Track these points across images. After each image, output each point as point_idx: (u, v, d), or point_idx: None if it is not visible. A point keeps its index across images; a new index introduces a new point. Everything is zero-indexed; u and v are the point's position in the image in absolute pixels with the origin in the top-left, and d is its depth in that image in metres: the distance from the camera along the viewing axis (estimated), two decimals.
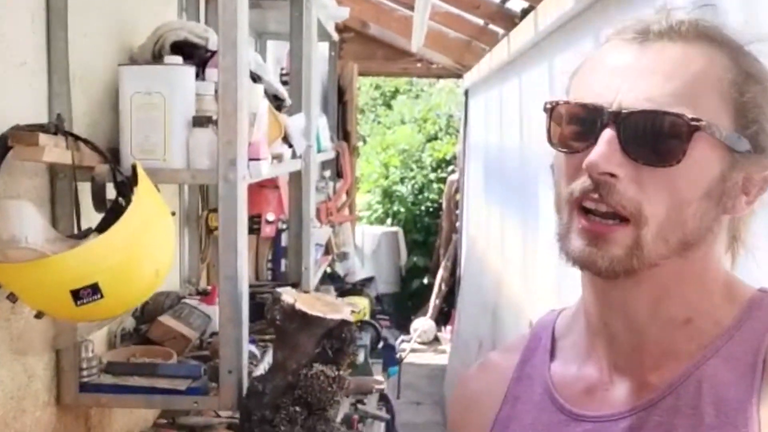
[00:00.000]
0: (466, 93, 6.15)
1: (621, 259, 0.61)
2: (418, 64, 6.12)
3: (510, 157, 4.06)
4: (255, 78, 1.69)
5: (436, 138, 7.83)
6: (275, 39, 3.13)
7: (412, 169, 7.66)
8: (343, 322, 1.34)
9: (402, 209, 7.52)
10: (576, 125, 0.65)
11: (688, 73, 0.61)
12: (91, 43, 1.53)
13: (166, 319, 1.77)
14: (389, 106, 9.18)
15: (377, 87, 9.45)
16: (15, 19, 1.27)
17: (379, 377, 2.27)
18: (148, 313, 1.83)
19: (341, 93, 4.84)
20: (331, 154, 3.16)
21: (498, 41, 4.10)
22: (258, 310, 1.84)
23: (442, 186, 7.22)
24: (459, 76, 6.11)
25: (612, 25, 0.68)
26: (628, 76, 0.62)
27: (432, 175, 7.59)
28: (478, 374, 0.83)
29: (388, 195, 7.64)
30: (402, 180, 7.63)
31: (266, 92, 1.73)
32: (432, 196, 7.53)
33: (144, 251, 1.21)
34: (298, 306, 1.33)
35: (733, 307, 0.65)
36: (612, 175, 0.60)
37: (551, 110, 0.67)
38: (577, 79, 0.68)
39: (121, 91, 1.40)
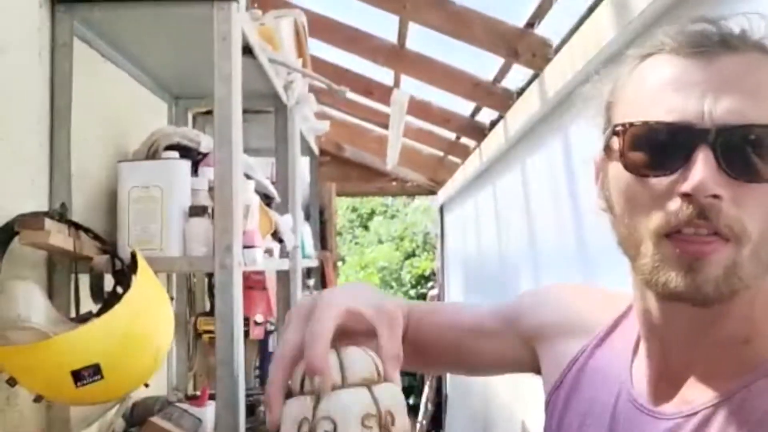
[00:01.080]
0: (441, 209, 6.32)
1: (723, 280, 0.57)
2: (393, 183, 6.31)
3: (489, 261, 4.13)
4: (246, 177, 1.76)
5: (413, 255, 7.94)
6: (257, 155, 3.24)
7: (392, 287, 7.70)
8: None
9: None
10: (661, 147, 0.59)
11: (761, 83, 0.58)
12: (89, 146, 1.61)
13: (157, 420, 1.74)
14: (366, 227, 9.34)
15: (354, 209, 9.66)
16: (21, 120, 1.34)
17: None
18: (137, 415, 1.80)
19: (321, 211, 4.96)
20: (315, 262, 3.20)
21: (470, 153, 4.28)
22: (249, 410, 1.82)
23: None
24: (433, 192, 6.29)
25: (649, 38, 0.65)
26: (708, 90, 0.58)
27: (412, 292, 7.63)
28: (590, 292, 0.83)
29: None
30: None
31: (257, 191, 1.80)
32: None
33: (144, 333, 1.23)
34: None
35: None
36: (716, 197, 0.56)
37: (624, 132, 0.62)
38: (630, 99, 0.63)
39: (120, 186, 1.46)
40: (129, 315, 1.20)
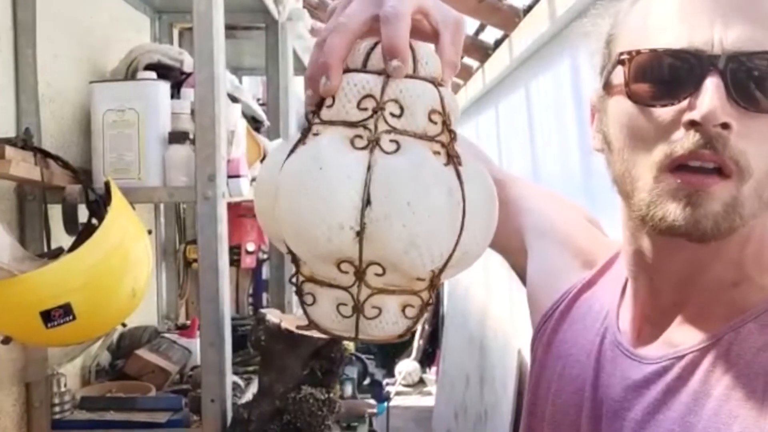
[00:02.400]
0: None
1: (723, 217, 0.55)
2: None
3: None
4: (232, 99, 1.64)
5: None
6: (250, 74, 3.11)
7: None
8: (332, 341, 1.27)
9: None
10: (668, 75, 0.57)
11: None
12: (62, 64, 1.49)
13: (143, 353, 1.69)
14: None
15: None
16: None
17: (372, 401, 2.18)
18: (124, 347, 1.75)
19: None
20: None
21: (473, 74, 4.12)
22: (240, 342, 1.76)
23: None
24: None
25: None
26: (718, 16, 0.55)
27: None
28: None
29: None
30: None
31: (244, 114, 1.69)
32: None
33: (119, 270, 1.15)
34: (284, 325, 1.26)
35: None
36: (725, 126, 0.54)
37: (630, 61, 0.59)
38: (635, 29, 0.60)
39: (93, 108, 1.35)
40: (102, 251, 1.11)
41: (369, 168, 0.47)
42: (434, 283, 0.52)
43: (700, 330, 0.61)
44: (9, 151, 1.09)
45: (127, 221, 1.21)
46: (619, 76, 0.60)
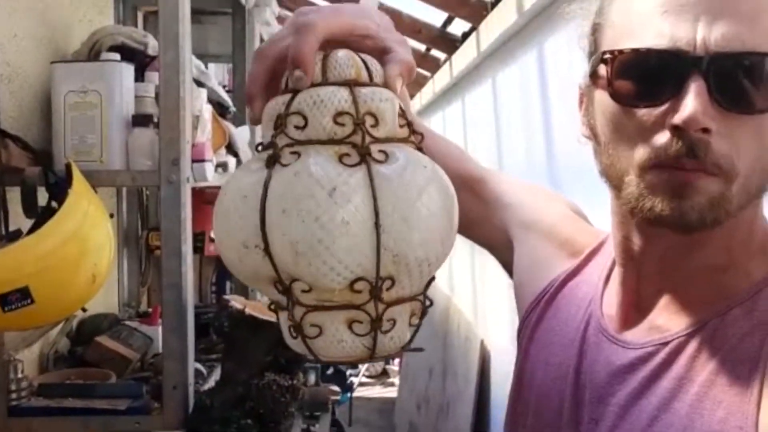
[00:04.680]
0: None
1: (709, 209, 0.55)
2: None
3: None
4: (198, 84, 1.62)
5: None
6: (216, 61, 3.06)
7: None
8: None
9: None
10: (650, 76, 0.56)
11: (760, 5, 0.54)
12: (22, 45, 1.45)
13: (104, 340, 1.66)
14: None
15: None
16: None
17: (335, 388, 2.18)
18: (84, 334, 1.72)
19: None
20: None
21: (440, 66, 4.13)
22: (203, 330, 1.75)
23: None
24: None
25: None
26: (702, 13, 0.54)
27: None
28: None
29: None
30: None
31: (210, 99, 1.67)
32: None
33: (79, 254, 1.12)
34: (248, 311, 1.26)
35: (766, 262, 0.60)
36: (706, 131, 0.53)
37: (613, 60, 0.58)
38: (618, 23, 0.59)
39: (54, 89, 1.32)
40: (61, 234, 1.09)
41: (265, 185, 0.46)
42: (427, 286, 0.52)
43: (686, 315, 0.61)
44: None
45: (89, 204, 1.18)
46: (603, 71, 0.59)
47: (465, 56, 3.37)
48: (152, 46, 1.60)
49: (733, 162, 0.54)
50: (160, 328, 1.78)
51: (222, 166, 1.69)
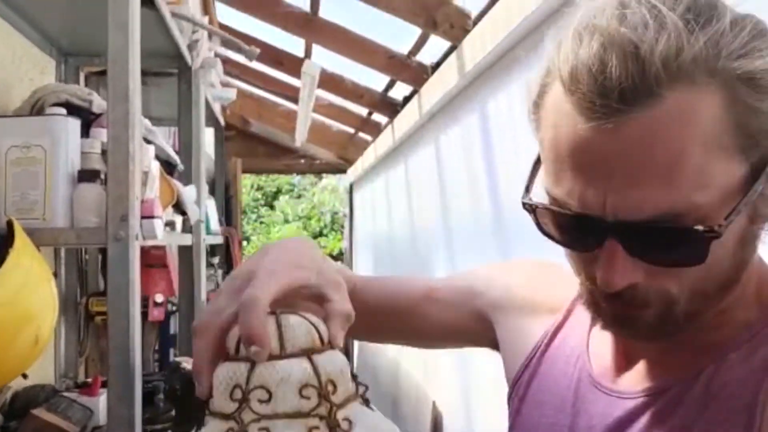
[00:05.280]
0: (351, 187, 6.21)
1: (657, 329, 0.56)
2: (302, 161, 6.15)
3: (400, 240, 4.07)
4: (145, 141, 1.59)
5: (321, 234, 7.82)
6: (158, 125, 3.02)
7: None
8: None
9: None
10: (569, 227, 0.56)
11: (677, 155, 0.49)
12: None
13: (40, 413, 1.55)
14: (272, 207, 9.12)
15: (259, 188, 9.40)
16: None
17: None
18: (18, 407, 1.61)
19: (226, 187, 4.75)
20: (220, 239, 3.03)
21: (382, 130, 4.19)
22: (147, 398, 1.66)
23: None
24: (342, 171, 6.18)
25: (551, 57, 0.55)
26: (607, 176, 0.51)
27: None
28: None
29: None
30: None
31: (157, 157, 1.63)
32: None
33: (21, 315, 1.06)
34: None
35: (761, 306, 0.59)
36: (631, 284, 0.54)
37: (533, 211, 0.58)
38: (543, 141, 0.57)
39: None
40: (2, 294, 1.02)
41: None
42: None
43: (681, 362, 0.59)
44: None
45: (32, 262, 1.12)
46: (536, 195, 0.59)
47: (407, 119, 3.44)
48: (97, 103, 1.57)
49: (668, 294, 0.54)
50: (100, 399, 1.69)
51: (170, 224, 1.64)
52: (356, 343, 5.88)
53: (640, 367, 0.63)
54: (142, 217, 1.32)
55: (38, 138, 1.25)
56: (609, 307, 0.57)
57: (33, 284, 1.10)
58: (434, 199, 3.13)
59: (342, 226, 7.36)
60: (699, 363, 0.58)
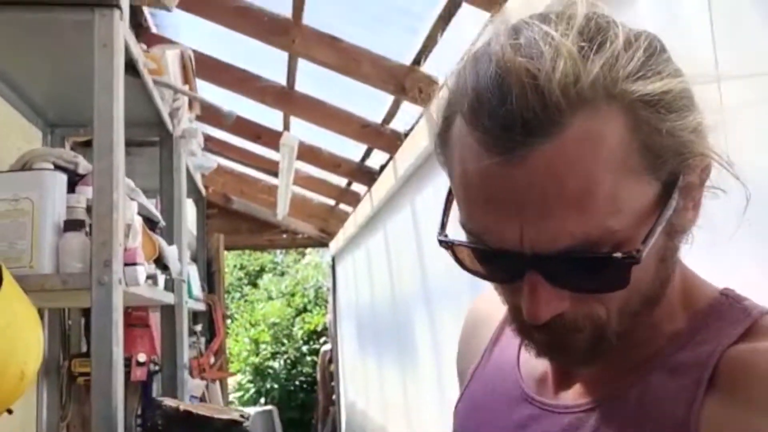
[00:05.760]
0: (333, 261, 6.27)
1: (589, 353, 0.56)
2: (284, 236, 6.22)
3: (382, 309, 4.11)
4: (129, 198, 1.66)
5: (305, 310, 7.81)
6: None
7: (283, 344, 7.50)
8: (233, 422, 1.25)
9: (275, 386, 7.24)
10: (489, 263, 0.55)
11: (586, 182, 0.49)
12: None
13: None
14: (255, 285, 9.12)
15: (242, 267, 9.42)
16: None
17: None
18: None
19: (209, 264, 4.79)
20: (202, 306, 3.06)
21: (361, 199, 4.30)
22: None
23: (315, 358, 7.09)
24: (324, 244, 6.25)
25: (455, 92, 0.54)
26: (520, 210, 0.50)
27: (304, 348, 7.47)
28: (489, 297, 0.74)
29: (259, 372, 7.37)
30: (274, 355, 7.43)
31: (139, 214, 1.70)
32: (306, 369, 7.36)
33: (8, 350, 1.10)
34: (183, 407, 1.24)
35: (688, 316, 0.58)
36: (558, 314, 0.53)
37: (451, 248, 0.57)
38: (452, 178, 0.56)
39: None
40: None
41: None
42: None
43: (612, 377, 0.59)
44: None
45: (19, 305, 1.18)
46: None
47: (384, 185, 3.54)
48: (83, 165, 1.65)
49: (596, 317, 0.54)
50: None
51: (151, 277, 1.70)
52: (344, 411, 5.81)
53: (573, 381, 0.63)
54: (125, 264, 1.38)
55: (27, 191, 1.33)
56: (540, 335, 0.56)
57: (20, 324, 1.15)
58: (413, 262, 3.20)
59: (325, 301, 7.37)
60: (630, 377, 0.58)
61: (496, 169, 0.50)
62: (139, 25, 2.96)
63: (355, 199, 4.48)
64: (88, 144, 2.20)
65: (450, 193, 0.59)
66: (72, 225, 1.34)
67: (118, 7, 1.38)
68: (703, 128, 0.53)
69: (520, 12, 0.55)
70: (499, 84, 0.49)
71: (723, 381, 0.53)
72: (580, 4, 0.52)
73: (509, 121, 0.48)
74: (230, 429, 1.25)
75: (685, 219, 0.55)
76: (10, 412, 1.11)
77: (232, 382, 7.14)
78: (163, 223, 1.88)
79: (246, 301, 8.96)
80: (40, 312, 1.93)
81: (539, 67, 0.48)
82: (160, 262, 1.76)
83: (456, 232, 0.58)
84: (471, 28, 2.05)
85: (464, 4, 1.93)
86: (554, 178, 0.48)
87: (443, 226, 0.59)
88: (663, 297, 0.57)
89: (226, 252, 6.00)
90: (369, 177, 3.91)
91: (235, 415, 1.28)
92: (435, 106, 0.58)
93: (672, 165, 0.52)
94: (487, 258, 0.55)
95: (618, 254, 0.50)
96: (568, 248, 0.50)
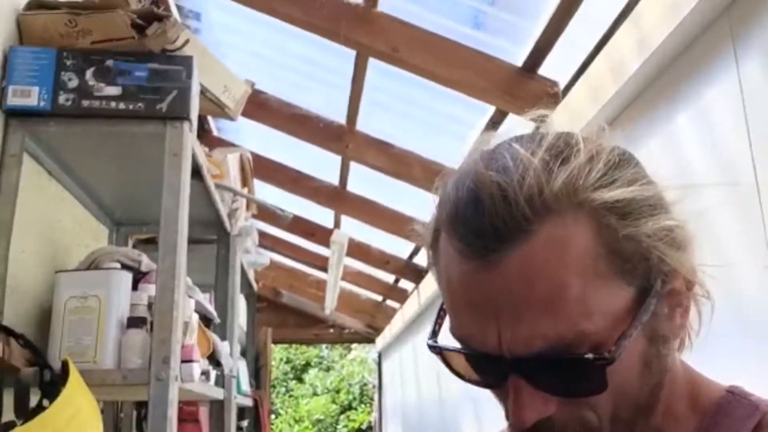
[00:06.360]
0: (380, 357, 6.24)
1: None
2: (331, 330, 6.25)
3: (429, 407, 4.05)
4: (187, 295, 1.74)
5: (350, 408, 7.69)
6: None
7: None
8: None
9: None
10: (475, 367, 0.57)
11: (556, 286, 0.51)
12: (26, 259, 1.58)
13: None
14: (301, 380, 9.06)
15: (288, 361, 9.41)
16: None
17: None
18: None
19: (256, 357, 4.83)
20: (249, 401, 3.08)
21: (408, 296, 4.33)
22: None
23: None
24: (371, 340, 6.24)
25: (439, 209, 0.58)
26: (499, 313, 0.52)
27: None
28: None
29: None
30: None
31: (196, 311, 1.78)
32: None
33: None
34: None
35: (697, 417, 0.59)
36: (545, 417, 0.54)
37: (438, 352, 0.59)
38: (440, 284, 0.59)
39: (57, 295, 1.42)
40: (55, 425, 1.13)
41: None
42: None
43: None
44: None
45: (83, 398, 1.23)
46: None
47: (432, 283, 3.57)
48: (145, 263, 1.74)
49: (587, 421, 0.55)
50: None
51: (205, 374, 1.74)
52: None
53: None
54: (182, 361, 1.44)
55: (95, 289, 1.41)
56: None
57: (83, 419, 1.20)
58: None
59: (371, 399, 7.27)
60: None
61: (474, 274, 0.53)
62: (202, 128, 3.15)
63: (402, 296, 4.51)
64: (149, 241, 2.31)
65: (442, 304, 0.61)
66: (134, 322, 1.41)
67: (189, 119, 1.50)
68: (680, 237, 0.55)
69: (563, 126, 0.60)
70: (474, 197, 0.53)
71: None
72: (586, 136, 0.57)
73: (482, 229, 0.52)
74: None
75: (672, 325, 0.56)
76: None
77: None
78: (218, 320, 1.95)
79: (291, 396, 8.89)
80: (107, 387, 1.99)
81: (508, 180, 0.52)
82: (213, 358, 1.82)
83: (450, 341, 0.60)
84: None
85: (510, 114, 2.02)
86: (525, 282, 0.51)
87: (434, 333, 0.61)
88: (656, 404, 0.57)
89: (272, 345, 6.06)
90: (417, 274, 3.95)
91: None
92: (426, 222, 0.62)
93: (642, 270, 0.53)
94: (474, 363, 0.57)
95: (590, 355, 0.51)
96: (542, 351, 0.51)
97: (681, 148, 1.40)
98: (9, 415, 1.28)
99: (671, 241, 0.54)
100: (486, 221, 0.52)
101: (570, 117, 1.73)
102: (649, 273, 0.54)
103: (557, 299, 0.51)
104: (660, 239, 0.54)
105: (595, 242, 0.52)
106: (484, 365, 0.55)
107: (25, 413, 1.27)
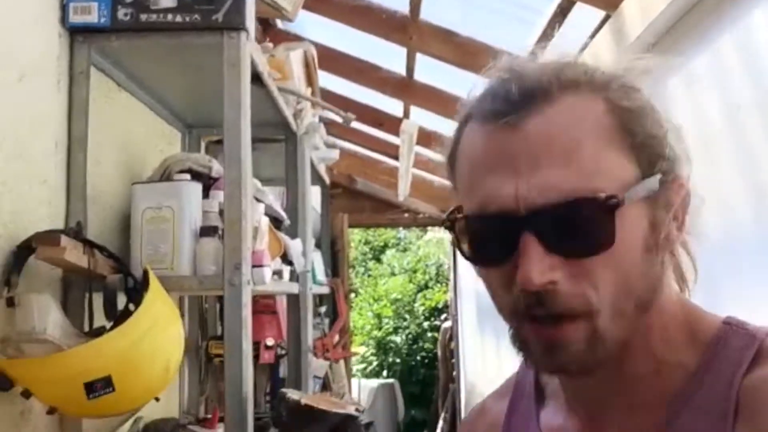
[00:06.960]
0: None
1: (587, 353, 0.57)
2: (405, 215, 6.34)
3: None
4: (256, 199, 1.80)
5: (427, 287, 7.94)
6: (268, 184, 3.29)
7: (405, 319, 7.68)
8: (348, 417, 1.36)
9: (397, 360, 7.45)
10: (487, 237, 0.58)
11: (572, 143, 0.56)
12: (105, 170, 1.66)
13: None
14: (379, 260, 9.36)
15: (367, 242, 9.69)
16: (41, 144, 1.40)
17: None
18: None
19: (333, 242, 5.00)
20: (326, 289, 3.23)
21: None
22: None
23: (436, 335, 7.22)
24: None
25: (464, 103, 0.63)
26: (519, 167, 0.56)
27: (425, 324, 7.61)
28: (476, 419, 0.80)
29: (382, 347, 7.61)
30: (396, 330, 7.63)
31: (266, 214, 1.84)
32: (427, 345, 7.50)
33: (155, 346, 1.26)
34: (304, 401, 1.36)
35: (697, 349, 0.60)
36: (550, 282, 0.55)
37: (452, 228, 0.61)
38: (459, 176, 0.62)
39: (134, 206, 1.51)
40: (140, 328, 1.23)
41: None
42: None
43: (637, 426, 0.61)
44: (63, 239, 1.23)
45: (163, 305, 1.33)
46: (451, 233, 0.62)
47: None
48: (215, 169, 1.80)
49: (588, 301, 0.55)
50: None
51: (278, 273, 1.84)
52: (463, 388, 5.91)
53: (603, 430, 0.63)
54: (253, 266, 1.52)
55: (168, 200, 1.49)
56: (536, 335, 0.57)
57: (164, 323, 1.30)
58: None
59: (446, 279, 7.46)
60: (654, 425, 0.59)
61: (498, 134, 0.58)
62: (266, 22, 3.13)
63: None
64: (220, 142, 2.38)
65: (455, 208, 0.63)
66: (206, 231, 1.49)
67: (245, 29, 1.50)
68: (681, 145, 0.61)
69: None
70: (503, 80, 0.60)
71: (745, 413, 0.55)
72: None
73: (509, 97, 0.58)
74: (346, 422, 1.36)
75: (670, 228, 0.60)
76: (157, 399, 1.27)
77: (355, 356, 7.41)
78: (288, 221, 2.02)
79: (370, 276, 9.23)
80: (181, 298, 2.14)
81: (535, 63, 0.61)
82: (286, 258, 1.90)
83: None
84: (587, 23, 2.03)
85: (578, 2, 1.91)
86: (545, 138, 0.56)
87: (450, 213, 0.63)
88: (651, 303, 0.59)
89: (350, 229, 6.23)
90: None
91: (351, 409, 1.39)
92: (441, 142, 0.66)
93: (647, 155, 0.58)
94: (487, 230, 0.58)
95: (602, 195, 0.54)
96: (556, 201, 0.54)
97: (724, 70, 1.31)
98: (100, 318, 1.40)
99: (675, 138, 0.60)
100: (514, 90, 0.58)
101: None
102: (653, 162, 0.58)
103: (573, 154, 0.55)
104: (664, 136, 0.59)
105: (609, 116, 0.57)
106: (498, 228, 0.57)
107: (114, 315, 1.39)
